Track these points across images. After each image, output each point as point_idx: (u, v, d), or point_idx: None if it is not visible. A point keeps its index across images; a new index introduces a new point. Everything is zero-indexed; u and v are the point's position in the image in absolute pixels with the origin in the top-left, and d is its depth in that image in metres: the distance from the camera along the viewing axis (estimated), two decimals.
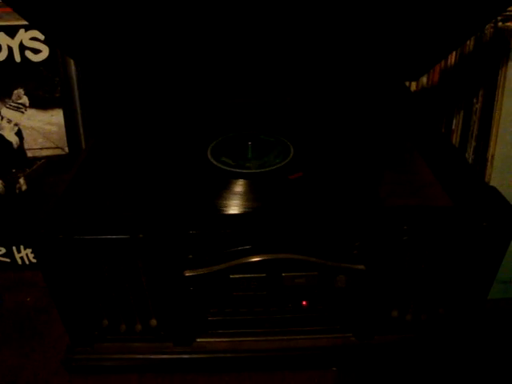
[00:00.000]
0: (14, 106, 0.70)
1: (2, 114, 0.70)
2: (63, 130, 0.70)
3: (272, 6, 0.51)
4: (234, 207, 0.57)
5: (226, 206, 0.57)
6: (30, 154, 0.72)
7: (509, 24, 0.66)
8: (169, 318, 0.58)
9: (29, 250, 0.78)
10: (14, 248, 0.78)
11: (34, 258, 0.78)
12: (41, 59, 0.68)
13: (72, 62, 0.70)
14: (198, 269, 0.53)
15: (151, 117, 0.76)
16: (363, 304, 0.57)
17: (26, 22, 0.66)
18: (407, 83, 0.81)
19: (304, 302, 0.57)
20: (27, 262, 0.79)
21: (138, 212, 0.55)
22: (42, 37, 0.67)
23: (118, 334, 0.60)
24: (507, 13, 0.66)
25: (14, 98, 0.69)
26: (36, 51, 0.68)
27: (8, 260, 0.79)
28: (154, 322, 0.58)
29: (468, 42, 0.71)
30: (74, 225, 0.51)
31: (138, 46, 0.61)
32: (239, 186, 0.60)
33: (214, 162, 0.64)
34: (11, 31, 0.68)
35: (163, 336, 0.60)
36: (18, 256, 0.78)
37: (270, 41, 0.60)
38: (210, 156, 0.66)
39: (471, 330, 0.60)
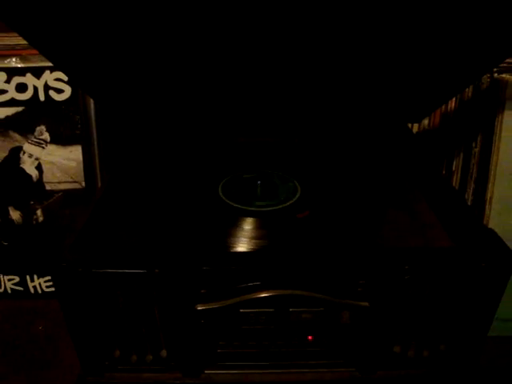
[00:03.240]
0: (35, 142, 0.73)
1: (24, 148, 0.74)
2: (81, 165, 0.73)
3: (283, 56, 0.55)
4: (243, 244, 0.59)
5: (236, 243, 0.60)
6: (48, 187, 0.75)
7: (503, 75, 0.70)
8: (179, 349, 0.60)
9: (42, 280, 0.80)
10: (27, 277, 0.80)
11: (46, 287, 0.81)
12: (63, 98, 0.72)
13: (91, 101, 0.74)
14: (210, 303, 0.55)
15: (165, 154, 0.80)
16: (366, 339, 0.59)
17: (51, 64, 0.71)
18: (409, 125, 0.85)
19: (310, 337, 0.59)
20: (40, 291, 0.81)
21: (154, 248, 0.58)
22: (65, 78, 0.72)
23: (129, 364, 0.61)
24: (503, 65, 0.71)
25: (36, 134, 0.73)
26: (59, 91, 0.72)
27: (21, 289, 0.81)
28: (164, 353, 0.60)
29: (467, 90, 0.75)
30: (92, 259, 0.54)
31: (153, 89, 0.65)
32: (248, 224, 0.63)
33: (225, 200, 0.67)
34: (37, 72, 0.72)
35: (173, 367, 0.61)
36: (30, 285, 0.81)
37: (279, 86, 0.64)
38: (220, 194, 0.69)
39: (472, 367, 0.62)
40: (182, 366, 0.61)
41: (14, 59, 0.73)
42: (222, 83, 0.64)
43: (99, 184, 0.77)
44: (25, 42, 0.82)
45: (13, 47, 0.81)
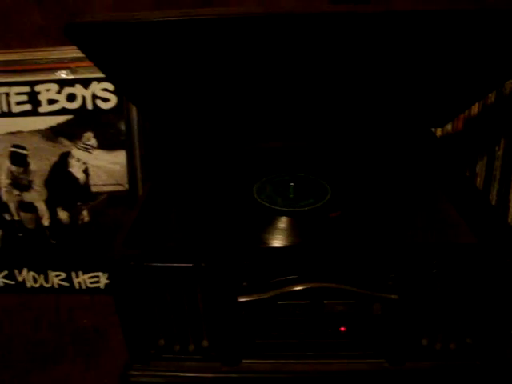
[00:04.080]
0: (83, 147, 0.79)
1: (72, 153, 0.80)
2: (125, 168, 0.79)
3: (310, 67, 0.59)
4: (280, 241, 0.64)
5: (272, 240, 0.64)
6: (94, 189, 0.81)
7: None
8: (219, 339, 0.64)
9: (86, 276, 0.86)
10: (73, 273, 0.86)
11: (90, 283, 0.86)
12: (109, 107, 0.78)
13: (134, 110, 0.79)
14: (251, 295, 0.60)
15: (202, 159, 0.85)
16: (396, 331, 0.63)
17: (98, 75, 0.76)
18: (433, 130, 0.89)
19: (342, 328, 0.63)
20: (84, 287, 0.87)
21: (199, 244, 0.63)
22: (111, 88, 0.77)
23: (173, 353, 0.66)
24: None
25: (84, 140, 0.79)
26: (105, 100, 0.78)
27: (67, 284, 0.87)
28: (205, 342, 0.65)
29: (490, 95, 0.78)
30: (144, 254, 0.59)
31: (193, 100, 0.70)
32: (283, 223, 0.67)
33: (262, 202, 0.71)
34: (86, 83, 0.78)
35: (213, 356, 0.66)
36: (76, 281, 0.86)
37: (309, 93, 0.69)
38: (255, 196, 0.73)
39: (498, 360, 0.65)
40: (222, 356, 0.66)
41: (64, 71, 0.79)
42: (255, 94, 0.69)
43: (140, 186, 0.82)
44: (72, 55, 0.88)
45: (61, 60, 0.87)
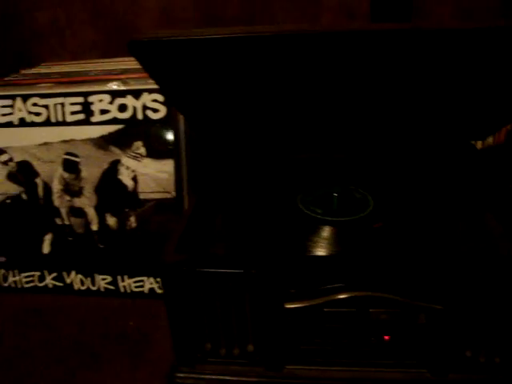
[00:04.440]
0: (132, 156, 0.82)
1: (122, 161, 0.83)
2: (172, 177, 0.82)
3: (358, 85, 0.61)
4: (326, 250, 0.66)
5: (317, 249, 0.66)
6: (141, 196, 0.84)
7: None
8: (264, 344, 0.66)
9: (131, 280, 0.89)
10: (118, 277, 0.89)
11: (135, 287, 0.89)
12: (159, 117, 0.81)
13: (182, 121, 0.82)
14: (298, 302, 0.61)
15: (248, 169, 0.87)
16: (439, 342, 0.63)
17: (149, 87, 0.80)
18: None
19: (386, 337, 0.64)
20: (128, 291, 0.90)
21: (249, 251, 0.65)
22: (160, 99, 0.80)
23: (218, 356, 0.68)
24: None
25: (133, 148, 0.82)
26: (155, 110, 0.81)
27: (112, 288, 0.90)
28: (251, 347, 0.67)
29: None
30: (196, 259, 0.61)
31: (241, 111, 0.73)
32: (328, 233, 0.69)
33: (307, 212, 0.73)
34: (137, 94, 0.81)
35: (257, 361, 0.68)
36: (121, 284, 0.90)
37: (352, 107, 0.70)
38: (300, 205, 0.75)
39: None
40: (266, 361, 0.68)
41: (115, 83, 0.83)
42: (302, 106, 0.71)
43: (186, 194, 0.85)
44: (123, 67, 0.92)
45: (113, 72, 0.91)
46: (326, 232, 0.70)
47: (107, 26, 1.05)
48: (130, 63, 0.99)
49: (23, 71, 1.02)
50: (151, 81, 0.76)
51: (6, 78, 0.97)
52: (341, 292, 0.60)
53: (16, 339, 0.84)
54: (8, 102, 0.87)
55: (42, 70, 1.03)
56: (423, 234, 0.69)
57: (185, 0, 1.00)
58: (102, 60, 1.05)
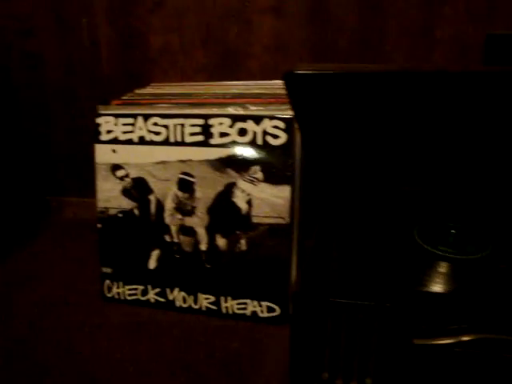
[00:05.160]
0: (249, 180, 0.84)
1: (238, 184, 0.85)
2: (288, 203, 0.83)
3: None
4: (446, 287, 0.64)
5: (442, 286, 0.65)
6: (254, 220, 0.85)
7: None
8: (385, 379, 0.65)
9: (235, 302, 0.90)
10: (222, 298, 0.90)
11: (237, 309, 0.90)
12: (278, 143, 0.82)
13: (299, 149, 0.83)
14: (428, 339, 0.60)
15: (363, 199, 0.87)
16: None
17: (270, 113, 0.82)
18: None
19: None
20: (230, 312, 0.90)
21: (378, 284, 0.65)
22: (282, 126, 0.82)
23: None
24: None
25: (250, 172, 0.84)
26: (275, 137, 0.82)
27: (215, 308, 0.91)
28: (369, 381, 0.66)
29: None
30: (330, 290, 0.61)
31: (365, 144, 0.73)
32: (446, 268, 0.68)
33: (426, 247, 0.72)
34: (258, 120, 0.83)
35: None
36: (223, 305, 0.90)
37: (471, 139, 0.70)
38: (417, 239, 0.74)
39: None
40: None
41: (237, 107, 0.85)
42: (422, 141, 0.71)
43: (298, 221, 0.86)
44: (235, 91, 0.95)
45: (224, 95, 0.94)
46: (447, 269, 0.68)
47: (217, 50, 1.08)
48: (240, 87, 1.02)
49: (137, 91, 1.07)
50: (271, 107, 0.79)
51: (123, 97, 1.01)
52: (473, 333, 0.59)
53: (122, 350, 0.86)
54: (130, 120, 0.91)
55: (155, 90, 1.07)
56: None
57: (297, 30, 1.02)
58: (209, 83, 1.09)
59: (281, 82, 0.87)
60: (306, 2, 1.01)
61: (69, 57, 1.20)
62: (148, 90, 1.08)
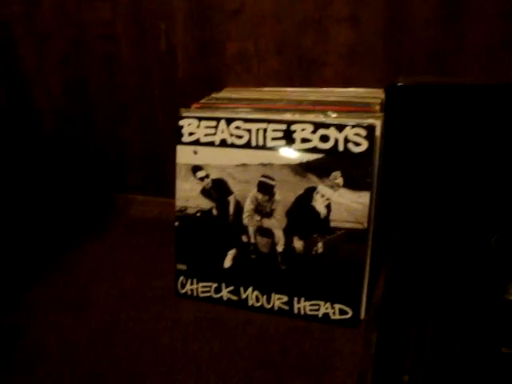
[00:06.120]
0: (329, 185, 0.86)
1: (318, 189, 0.87)
2: (367, 209, 0.85)
3: None
4: None
5: None
6: (333, 224, 0.87)
7: None
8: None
9: (307, 303, 0.92)
10: (295, 299, 0.93)
11: (310, 310, 0.92)
12: (359, 151, 0.84)
13: (378, 156, 0.85)
14: None
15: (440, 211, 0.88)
16: None
17: (353, 121, 0.84)
18: None
19: None
20: (302, 313, 0.93)
21: (467, 292, 0.66)
22: (363, 133, 0.84)
23: None
24: None
25: (331, 178, 0.86)
26: (357, 144, 0.84)
27: (286, 308, 0.94)
28: None
29: None
30: (415, 296, 0.63)
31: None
32: None
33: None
34: (340, 127, 0.85)
35: None
36: (296, 306, 0.93)
37: None
38: (496, 247, 0.75)
39: None
40: None
41: (319, 114, 0.88)
42: None
43: (373, 226, 0.88)
44: (313, 98, 0.98)
45: (313, 103, 0.97)
46: None
47: (292, 57, 1.11)
48: (316, 94, 1.04)
49: (214, 95, 1.11)
50: (351, 115, 0.81)
51: (201, 101, 1.05)
52: None
53: (198, 344, 0.89)
54: (212, 123, 0.95)
55: (231, 94, 1.10)
56: None
57: (373, 40, 1.04)
58: (284, 89, 1.12)
59: (355, 90, 0.91)
60: (383, 12, 1.03)
61: (146, 61, 1.25)
62: (224, 94, 1.12)
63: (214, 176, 0.95)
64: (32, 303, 1.05)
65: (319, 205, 0.87)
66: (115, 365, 0.86)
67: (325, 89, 1.09)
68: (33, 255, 1.26)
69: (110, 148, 1.40)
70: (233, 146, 0.93)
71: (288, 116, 0.91)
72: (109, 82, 1.31)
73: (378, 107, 0.92)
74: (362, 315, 0.91)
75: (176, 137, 0.98)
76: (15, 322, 0.99)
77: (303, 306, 0.93)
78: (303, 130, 0.88)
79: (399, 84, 0.59)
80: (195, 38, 1.18)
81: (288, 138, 0.89)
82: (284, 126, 0.90)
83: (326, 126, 0.87)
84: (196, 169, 0.97)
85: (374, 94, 1.02)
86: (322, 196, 0.87)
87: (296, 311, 0.94)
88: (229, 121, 0.94)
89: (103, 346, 0.91)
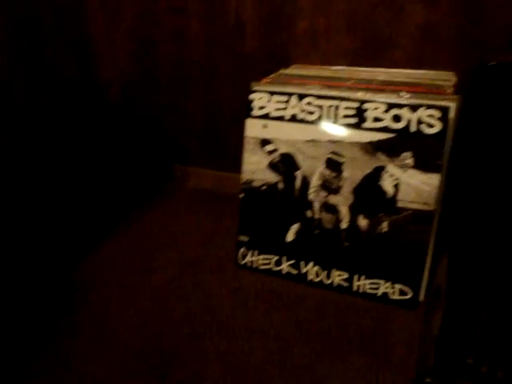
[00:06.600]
0: (399, 165, 0.86)
1: (387, 168, 0.87)
2: (435, 191, 0.84)
3: None
4: None
5: None
6: (399, 204, 0.88)
7: None
8: None
9: (368, 281, 0.93)
10: (355, 276, 0.94)
11: (369, 289, 0.93)
12: (432, 132, 0.84)
13: (451, 139, 0.84)
14: None
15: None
16: None
17: (426, 102, 0.83)
18: None
19: None
20: (361, 291, 0.94)
21: None
22: (437, 115, 0.83)
23: (477, 374, 0.69)
24: None
25: (401, 158, 0.86)
26: (430, 125, 0.84)
27: (346, 284, 0.95)
28: None
29: None
30: (485, 278, 0.63)
31: None
32: None
33: None
34: (414, 108, 0.85)
35: None
36: (355, 283, 0.94)
37: None
38: None
39: None
40: None
41: (392, 95, 0.88)
42: None
43: (441, 208, 0.88)
44: (381, 78, 0.97)
45: (383, 83, 0.96)
46: None
47: (362, 36, 1.10)
48: (386, 75, 1.04)
49: (282, 71, 1.12)
50: (425, 96, 0.80)
51: (270, 76, 1.06)
52: None
53: (259, 314, 0.92)
54: (283, 98, 0.96)
55: (299, 71, 1.11)
56: None
57: (449, 22, 1.02)
58: (352, 68, 1.12)
59: (425, 72, 0.89)
60: None
61: (213, 35, 1.27)
62: (292, 70, 1.12)
63: (282, 150, 0.97)
64: (97, 263, 1.10)
65: (387, 184, 0.88)
66: (176, 326, 0.90)
67: (393, 70, 1.08)
68: (97, 218, 1.31)
69: (173, 120, 1.43)
70: (303, 121, 0.94)
71: (360, 95, 0.91)
72: (175, 55, 1.34)
73: (450, 90, 0.91)
74: (422, 297, 0.92)
75: (241, 111, 1.00)
76: (82, 279, 1.04)
77: (363, 283, 0.94)
78: (376, 108, 0.88)
79: (491, 63, 0.58)
80: (265, 13, 1.19)
81: (359, 116, 0.90)
82: (357, 104, 0.90)
83: (400, 106, 0.86)
84: (265, 142, 0.98)
85: (445, 77, 1.01)
86: (391, 176, 0.87)
87: (355, 288, 0.95)
88: (301, 96, 0.95)
89: (165, 308, 0.95)
